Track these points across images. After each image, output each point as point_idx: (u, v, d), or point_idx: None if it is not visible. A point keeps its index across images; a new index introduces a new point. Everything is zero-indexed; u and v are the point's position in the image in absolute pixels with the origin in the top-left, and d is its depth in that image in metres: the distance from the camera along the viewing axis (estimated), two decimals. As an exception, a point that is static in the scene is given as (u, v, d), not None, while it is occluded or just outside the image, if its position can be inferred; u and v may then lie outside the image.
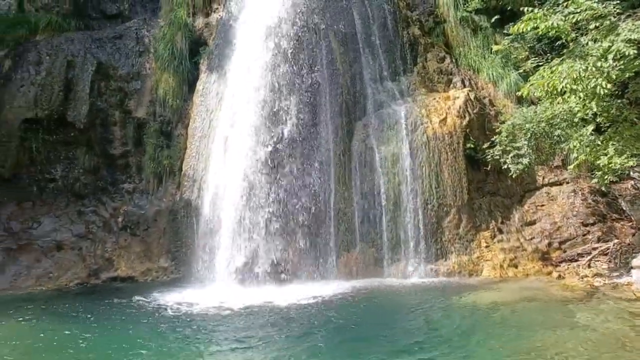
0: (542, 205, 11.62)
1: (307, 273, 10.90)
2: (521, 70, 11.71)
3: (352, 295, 9.42)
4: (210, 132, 12.33)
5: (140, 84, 13.29)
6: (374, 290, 9.98)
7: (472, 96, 12.14)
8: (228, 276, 10.52)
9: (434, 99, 12.32)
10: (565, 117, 9.23)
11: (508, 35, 11.63)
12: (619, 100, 8.81)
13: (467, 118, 11.73)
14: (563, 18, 8.06)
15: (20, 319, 8.16)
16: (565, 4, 8.39)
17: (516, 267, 10.69)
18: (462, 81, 12.93)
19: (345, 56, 12.65)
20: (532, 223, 11.45)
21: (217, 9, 13.74)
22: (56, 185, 12.45)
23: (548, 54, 10.99)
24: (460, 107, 11.83)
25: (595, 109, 8.21)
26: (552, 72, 8.06)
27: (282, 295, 9.28)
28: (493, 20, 12.82)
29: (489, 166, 11.22)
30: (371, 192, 11.57)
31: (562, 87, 7.82)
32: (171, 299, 9.36)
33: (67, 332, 7.39)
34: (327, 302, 8.92)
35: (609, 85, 7.47)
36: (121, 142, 12.95)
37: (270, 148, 11.27)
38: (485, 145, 11.17)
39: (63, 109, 12.56)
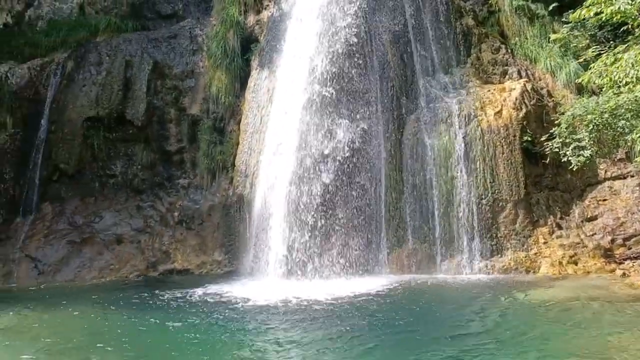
0: (604, 200, 11.09)
1: (357, 268, 10.87)
2: (581, 60, 11.16)
3: (403, 291, 9.33)
4: (261, 127, 12.48)
5: (194, 82, 13.63)
6: (426, 286, 9.84)
7: (529, 87, 11.72)
8: (279, 270, 10.62)
9: (489, 90, 11.98)
10: (630, 107, 8.71)
11: (567, 23, 11.18)
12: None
13: (524, 110, 11.34)
14: (630, 1, 7.64)
15: (87, 307, 8.56)
16: (632, -13, 7.97)
17: (576, 264, 10.27)
18: (519, 72, 12.49)
19: (396, 49, 12.49)
20: (594, 218, 10.95)
21: (267, 5, 13.88)
22: (116, 181, 12.97)
23: (611, 42, 10.46)
24: (516, 99, 11.45)
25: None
26: (615, 60, 7.65)
27: (331, 290, 9.28)
28: (551, 7, 12.32)
29: (548, 159, 10.79)
30: (423, 186, 11.40)
31: (627, 75, 7.42)
32: (224, 290, 9.57)
33: (130, 320, 7.72)
34: (377, 297, 8.86)
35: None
36: (176, 139, 13.33)
37: (319, 143, 11.29)
38: (544, 138, 10.75)
39: (122, 108, 13.06)
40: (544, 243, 10.64)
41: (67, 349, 6.41)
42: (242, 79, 13.50)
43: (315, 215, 10.78)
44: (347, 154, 11.37)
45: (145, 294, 9.53)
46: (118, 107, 13.07)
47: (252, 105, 12.90)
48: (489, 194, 10.92)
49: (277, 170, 11.45)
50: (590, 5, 7.91)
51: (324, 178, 11.05)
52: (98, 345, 6.45)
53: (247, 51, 13.75)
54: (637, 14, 7.78)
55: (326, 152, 11.26)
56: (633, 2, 7.50)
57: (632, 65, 7.27)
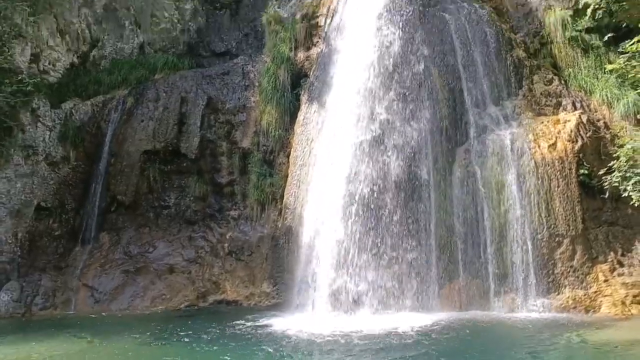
0: (670, 237, 10.51)
1: (407, 303, 10.65)
2: (640, 90, 10.85)
3: (455, 327, 9.05)
4: (310, 160, 12.64)
5: (245, 116, 14.04)
6: (479, 322, 9.51)
7: (584, 119, 11.39)
8: (327, 304, 10.55)
9: (542, 122, 11.72)
10: (695, 139, 8.37)
11: (624, 53, 10.87)
12: None
13: (580, 142, 11.01)
14: (691, 32, 7.40)
15: (142, 336, 8.76)
16: (692, 16, 7.73)
17: (640, 304, 9.71)
18: (573, 103, 12.17)
19: (445, 81, 12.47)
20: (659, 256, 10.38)
21: (317, 42, 14.23)
22: (169, 212, 13.40)
23: (672, 72, 10.11)
24: (571, 131, 11.14)
25: None
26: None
27: (381, 325, 9.13)
28: (606, 38, 12.06)
29: (607, 194, 10.38)
30: (474, 220, 11.14)
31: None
32: (273, 323, 9.58)
33: (182, 350, 7.84)
34: (428, 333, 8.62)
35: None
36: (228, 171, 13.69)
37: (368, 177, 11.31)
38: (602, 172, 10.37)
39: (177, 141, 13.61)
40: (605, 281, 10.13)
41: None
42: (291, 113, 13.79)
43: (364, 249, 10.71)
44: (396, 187, 11.31)
45: (196, 325, 9.66)
46: (173, 140, 13.62)
47: (302, 138, 13.11)
48: (545, 229, 10.56)
49: (325, 204, 11.50)
50: (648, 36, 7.70)
51: (373, 211, 11.01)
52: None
53: (297, 86, 14.08)
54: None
55: (375, 187, 11.24)
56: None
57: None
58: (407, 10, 12.94)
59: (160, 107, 13.97)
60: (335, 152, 11.74)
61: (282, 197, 12.97)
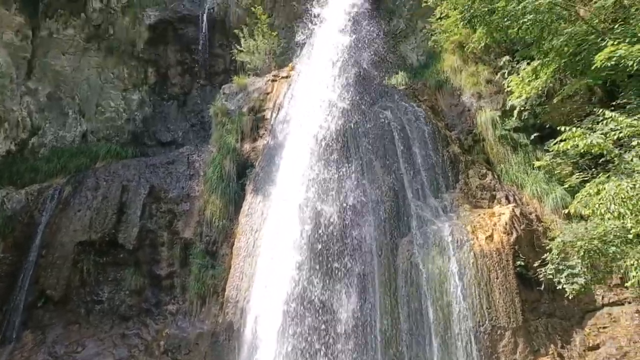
0: (605, 328, 10.76)
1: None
2: (566, 185, 11.50)
3: None
4: (254, 251, 12.43)
5: (188, 206, 13.85)
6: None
7: (517, 212, 11.91)
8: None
9: (479, 215, 12.16)
10: (618, 233, 8.86)
11: (549, 151, 11.65)
12: (675, 216, 8.44)
13: (515, 234, 11.42)
14: (603, 136, 8.06)
15: None
16: (604, 121, 8.45)
17: (583, 396, 9.71)
18: (506, 197, 12.79)
19: (388, 174, 12.88)
20: (596, 347, 10.53)
21: (263, 134, 14.56)
22: (102, 307, 12.62)
23: (593, 169, 10.85)
24: (506, 223, 11.59)
25: (646, 228, 7.84)
26: (598, 192, 7.88)
27: None
28: (532, 137, 12.97)
29: (542, 286, 10.67)
30: (419, 312, 11.07)
31: (609, 210, 7.58)
32: None
33: None
34: None
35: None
36: (168, 263, 13.22)
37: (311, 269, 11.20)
38: (537, 264, 10.71)
39: (115, 231, 13.14)
40: (548, 374, 10.14)
41: None
42: (236, 203, 13.74)
43: (305, 346, 10.36)
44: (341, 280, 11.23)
45: None
46: (111, 230, 13.15)
47: (246, 229, 12.97)
48: (487, 321, 10.59)
49: (268, 296, 11.20)
50: (566, 138, 8.32)
51: (315, 306, 10.78)
52: None
53: (243, 176, 14.16)
54: (612, 146, 8.17)
55: (318, 280, 11.11)
56: (607, 137, 7.92)
57: (613, 199, 7.45)
58: (350, 108, 13.58)
59: (99, 196, 13.59)
60: (278, 245, 11.64)
61: (224, 289, 12.53)
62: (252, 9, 17.38)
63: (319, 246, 11.47)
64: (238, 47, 16.87)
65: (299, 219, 11.71)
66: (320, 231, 11.60)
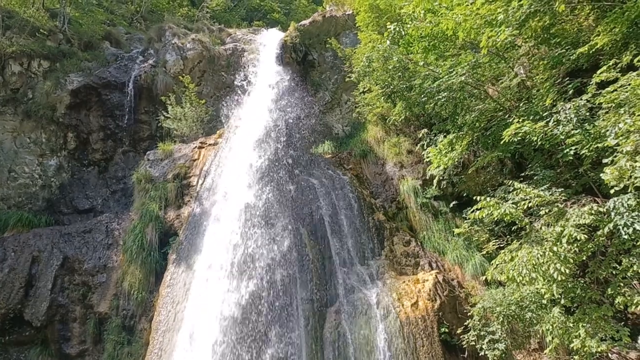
0: (527, 392, 10.98)
1: None
2: (484, 252, 12.01)
3: None
4: (175, 325, 11.79)
5: (105, 277, 13.06)
6: None
7: (440, 278, 12.21)
8: None
9: (404, 282, 12.33)
10: (533, 299, 9.26)
11: (467, 219, 12.20)
12: (582, 280, 8.95)
13: (439, 301, 11.63)
14: (514, 206, 8.57)
15: None
16: (515, 192, 9.01)
17: None
18: (429, 263, 13.13)
19: (315, 242, 12.90)
20: (520, 413, 10.69)
21: (188, 201, 14.24)
22: (0, 394, 11.35)
23: (507, 236, 11.43)
24: (430, 290, 11.80)
25: (556, 294, 8.24)
26: (512, 259, 8.28)
27: None
28: (451, 205, 13.56)
29: (466, 353, 10.81)
30: (347, 385, 10.83)
31: (521, 274, 7.96)
32: None
33: None
34: None
35: (567, 270, 7.62)
36: (79, 340, 12.24)
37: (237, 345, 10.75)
38: (460, 330, 10.90)
39: (21, 307, 12.09)
40: None
41: None
42: (157, 274, 13.13)
43: None
44: (268, 351, 10.82)
45: None
46: (17, 306, 12.10)
47: (167, 301, 12.34)
48: (414, 391, 10.50)
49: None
50: (482, 207, 8.77)
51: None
52: None
53: (165, 244, 13.63)
54: (523, 215, 8.68)
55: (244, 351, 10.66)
56: (517, 207, 8.42)
57: (525, 265, 7.86)
58: (278, 176, 13.69)
59: (5, 268, 12.55)
60: (200, 318, 11.13)
61: (141, 368, 11.69)
62: (181, 77, 17.52)
63: (245, 320, 11.09)
64: (165, 113, 16.74)
65: (221, 291, 11.32)
66: (243, 302, 11.25)
